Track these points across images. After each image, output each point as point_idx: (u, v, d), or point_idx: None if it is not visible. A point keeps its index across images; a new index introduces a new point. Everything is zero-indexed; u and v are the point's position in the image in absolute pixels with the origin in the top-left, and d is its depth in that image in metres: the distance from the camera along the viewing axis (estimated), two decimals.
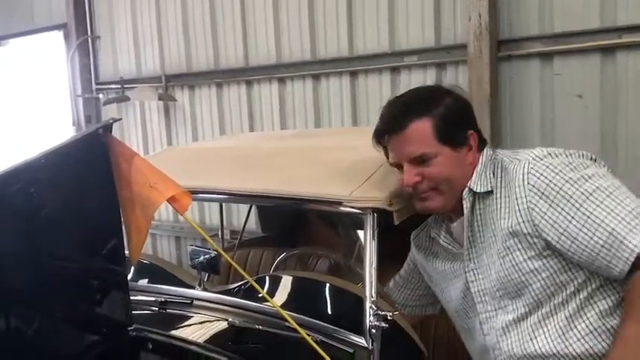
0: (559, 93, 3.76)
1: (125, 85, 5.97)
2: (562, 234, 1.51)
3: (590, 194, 1.49)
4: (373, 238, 1.76)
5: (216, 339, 1.88)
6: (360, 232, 1.98)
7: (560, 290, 1.56)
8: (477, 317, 1.72)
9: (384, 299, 1.88)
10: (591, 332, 1.53)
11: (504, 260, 1.61)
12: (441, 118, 1.68)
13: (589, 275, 1.54)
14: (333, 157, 2.14)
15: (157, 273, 2.26)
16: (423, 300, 2.02)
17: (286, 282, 2.03)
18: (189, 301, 2.07)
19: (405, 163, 1.70)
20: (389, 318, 1.65)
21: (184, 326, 2.00)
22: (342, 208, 1.85)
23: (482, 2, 3.81)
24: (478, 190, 1.67)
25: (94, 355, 1.57)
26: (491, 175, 1.68)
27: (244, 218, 3.45)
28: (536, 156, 1.59)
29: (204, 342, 1.84)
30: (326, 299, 1.95)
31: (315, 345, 1.44)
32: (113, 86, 6.09)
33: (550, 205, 1.52)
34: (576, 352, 1.55)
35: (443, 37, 4.18)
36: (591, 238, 1.47)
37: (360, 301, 1.73)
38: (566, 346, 1.55)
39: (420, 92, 1.82)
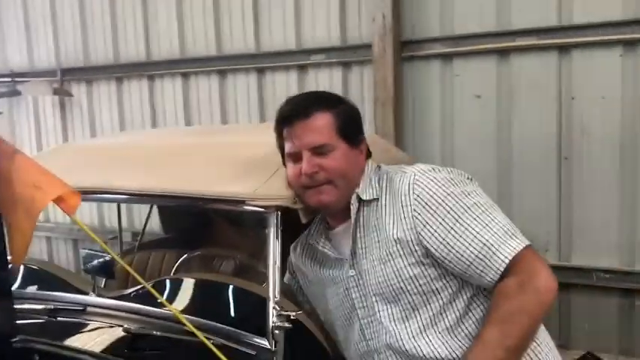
0: (458, 93, 3.90)
1: (16, 79, 5.60)
2: (441, 243, 1.58)
3: (469, 208, 1.58)
4: (277, 237, 1.73)
5: (110, 347, 1.77)
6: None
7: (434, 297, 1.63)
8: (357, 323, 1.73)
9: (289, 299, 1.85)
10: (472, 339, 1.60)
11: (385, 266, 1.65)
12: (341, 115, 1.73)
13: (462, 284, 1.63)
14: (237, 154, 2.07)
15: (46, 279, 2.10)
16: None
17: (186, 285, 1.95)
18: (81, 308, 1.94)
19: (305, 151, 1.70)
20: (292, 318, 1.63)
21: (76, 335, 1.87)
22: (246, 207, 1.80)
23: (386, 3, 3.88)
24: (365, 198, 1.71)
25: None
26: (377, 184, 1.73)
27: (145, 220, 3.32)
28: (421, 169, 1.67)
29: (97, 351, 1.72)
30: (228, 301, 1.89)
31: (214, 349, 1.38)
32: (2, 79, 5.68)
33: (432, 215, 1.59)
34: (459, 358, 1.60)
35: (349, 37, 4.22)
36: (467, 248, 1.56)
37: (263, 302, 1.69)
38: (449, 352, 1.62)
39: (318, 93, 1.91)
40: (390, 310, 1.65)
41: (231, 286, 1.88)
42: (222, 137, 2.53)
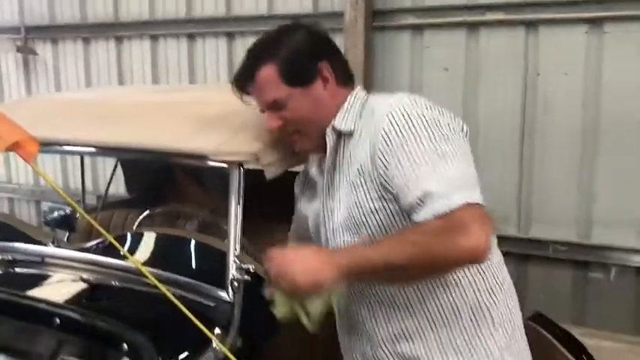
0: (427, 65, 3.93)
1: None
2: (392, 179, 1.52)
3: (426, 152, 1.50)
4: (239, 193, 1.74)
5: (69, 297, 1.77)
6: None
7: (394, 231, 1.58)
8: None
9: (250, 255, 1.87)
10: None
11: (349, 197, 1.63)
12: (285, 60, 1.65)
13: None
14: (203, 112, 2.06)
15: (5, 231, 2.08)
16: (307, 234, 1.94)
17: (148, 239, 1.96)
18: (39, 259, 1.93)
19: (265, 109, 1.69)
20: (251, 271, 1.65)
21: (35, 285, 1.86)
22: (209, 163, 1.80)
23: None
24: (340, 128, 1.66)
25: None
26: (358, 115, 1.67)
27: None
28: (406, 102, 1.58)
29: (56, 301, 1.73)
30: (188, 255, 1.91)
31: (173, 299, 1.40)
32: None
33: (390, 150, 1.52)
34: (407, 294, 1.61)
35: (321, 4, 4.21)
36: (410, 192, 1.48)
37: (223, 256, 1.71)
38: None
39: (268, 35, 1.76)
40: (351, 241, 1.62)
41: (192, 241, 1.90)
42: (188, 95, 2.51)
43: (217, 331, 1.56)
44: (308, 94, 1.66)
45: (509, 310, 1.69)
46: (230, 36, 4.55)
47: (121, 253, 1.64)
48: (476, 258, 1.43)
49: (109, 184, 2.90)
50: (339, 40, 4.10)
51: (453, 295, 1.61)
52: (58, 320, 1.55)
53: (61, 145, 1.90)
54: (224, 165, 1.75)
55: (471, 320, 1.62)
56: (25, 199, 5.59)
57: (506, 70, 3.72)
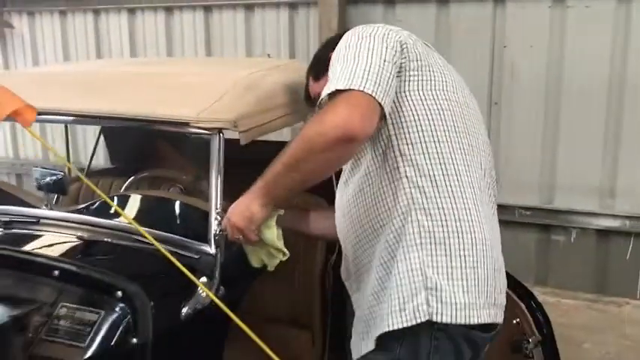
0: None
1: None
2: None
3: (348, 47, 1.61)
4: (219, 156, 1.88)
5: (64, 252, 1.92)
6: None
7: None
8: None
9: None
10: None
11: None
12: (313, 65, 2.00)
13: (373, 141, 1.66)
14: (183, 82, 2.19)
15: None
16: None
17: (135, 201, 2.09)
18: (35, 220, 2.06)
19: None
20: None
21: (31, 243, 1.99)
22: (190, 129, 1.94)
23: None
24: None
25: None
26: None
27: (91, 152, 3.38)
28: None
29: (54, 255, 1.87)
30: (174, 215, 2.06)
31: (162, 248, 1.55)
32: None
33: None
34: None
35: None
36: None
37: (206, 215, 1.86)
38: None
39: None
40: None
41: (176, 202, 2.05)
42: (169, 67, 2.62)
43: (203, 279, 1.72)
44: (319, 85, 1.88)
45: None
46: (207, 9, 4.61)
47: (115, 211, 1.78)
48: (343, 134, 1.46)
49: (93, 153, 3.01)
50: (313, 14, 4.23)
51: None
52: (56, 272, 1.70)
53: (48, 114, 1.99)
54: (205, 132, 1.88)
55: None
56: (6, 172, 5.64)
57: (475, 44, 3.86)
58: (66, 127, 2.90)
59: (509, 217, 3.91)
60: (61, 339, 1.59)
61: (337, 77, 1.54)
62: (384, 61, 1.57)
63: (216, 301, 1.60)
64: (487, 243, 1.64)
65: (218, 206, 1.82)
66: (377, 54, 1.57)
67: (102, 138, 3.13)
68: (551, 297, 3.76)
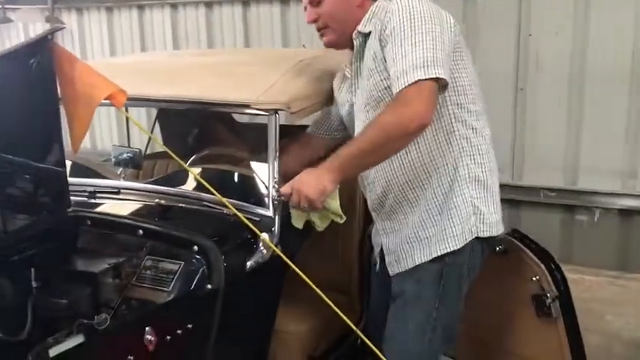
0: None
1: (7, 6, 5.76)
2: (386, 57, 1.95)
3: (405, 38, 1.88)
4: (275, 133, 2.17)
5: (146, 215, 2.24)
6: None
7: None
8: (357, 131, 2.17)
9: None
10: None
11: (369, 81, 2.06)
12: None
13: None
14: (239, 70, 2.49)
15: (81, 170, 2.53)
16: (334, 126, 2.44)
17: (201, 174, 2.40)
18: (116, 190, 2.38)
19: (307, 5, 2.15)
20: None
21: (116, 209, 2.32)
22: (249, 111, 2.23)
23: None
24: (362, 31, 2.09)
25: (41, 229, 1.85)
26: (376, 18, 2.04)
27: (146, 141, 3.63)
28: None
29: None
30: (235, 184, 2.39)
31: (238, 213, 1.88)
32: None
33: (389, 34, 1.94)
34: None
35: None
36: (393, 66, 1.89)
37: (263, 184, 2.18)
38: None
39: None
40: (373, 116, 2.03)
41: (236, 173, 2.38)
42: (223, 57, 2.92)
43: (264, 234, 2.01)
44: None
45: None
46: (246, 4, 4.83)
47: (189, 180, 2.09)
48: (418, 125, 1.83)
49: (150, 138, 3.28)
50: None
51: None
52: (141, 231, 2.02)
53: (136, 100, 2.22)
54: (263, 112, 2.17)
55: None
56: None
57: (501, 32, 3.97)
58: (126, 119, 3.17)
59: (535, 198, 4.05)
60: (148, 284, 1.92)
61: (413, 63, 1.82)
62: (446, 44, 1.91)
63: (277, 251, 1.92)
64: (498, 175, 2.20)
65: (275, 175, 2.12)
66: (439, 38, 1.88)
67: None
68: (575, 274, 3.86)
